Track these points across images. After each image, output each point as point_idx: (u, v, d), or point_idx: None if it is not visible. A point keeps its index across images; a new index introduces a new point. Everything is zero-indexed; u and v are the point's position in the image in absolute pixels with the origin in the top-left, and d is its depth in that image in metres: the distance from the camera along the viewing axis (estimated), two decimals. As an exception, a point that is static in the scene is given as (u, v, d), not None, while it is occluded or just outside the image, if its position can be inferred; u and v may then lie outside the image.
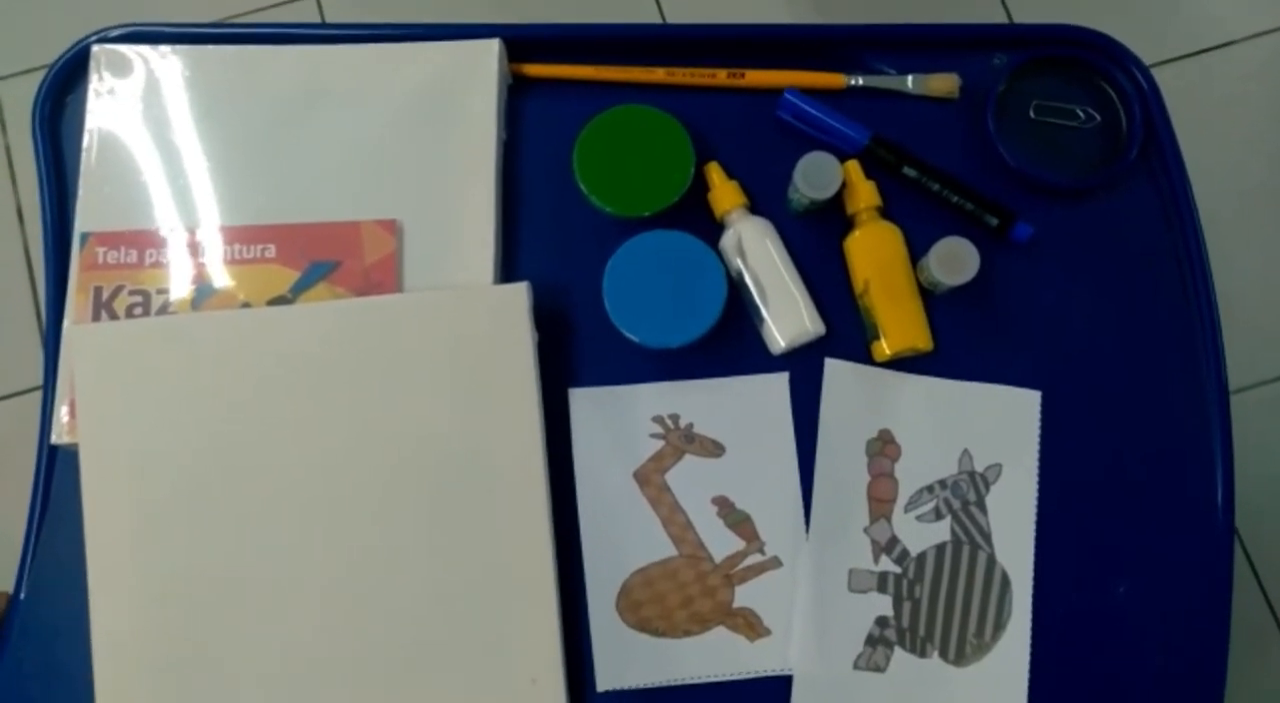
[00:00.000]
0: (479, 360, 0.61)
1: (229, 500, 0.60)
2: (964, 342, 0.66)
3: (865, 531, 0.63)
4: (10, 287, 1.34)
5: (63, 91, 0.68)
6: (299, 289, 0.63)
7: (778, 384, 0.65)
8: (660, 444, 0.64)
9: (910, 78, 0.68)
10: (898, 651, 0.62)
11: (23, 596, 0.62)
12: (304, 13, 1.42)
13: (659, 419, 0.64)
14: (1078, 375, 0.65)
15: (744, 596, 0.63)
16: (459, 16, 0.71)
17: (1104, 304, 0.67)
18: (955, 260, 0.61)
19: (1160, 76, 0.69)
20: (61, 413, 0.62)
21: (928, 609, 0.63)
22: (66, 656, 0.61)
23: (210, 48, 0.67)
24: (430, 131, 0.66)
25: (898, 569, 0.63)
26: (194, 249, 0.64)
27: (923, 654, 0.62)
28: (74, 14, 1.41)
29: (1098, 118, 0.68)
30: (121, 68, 0.66)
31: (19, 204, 1.36)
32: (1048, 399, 0.65)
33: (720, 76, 0.68)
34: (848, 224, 0.66)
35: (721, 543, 0.63)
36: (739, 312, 0.65)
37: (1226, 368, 0.65)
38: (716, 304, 0.61)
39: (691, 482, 0.64)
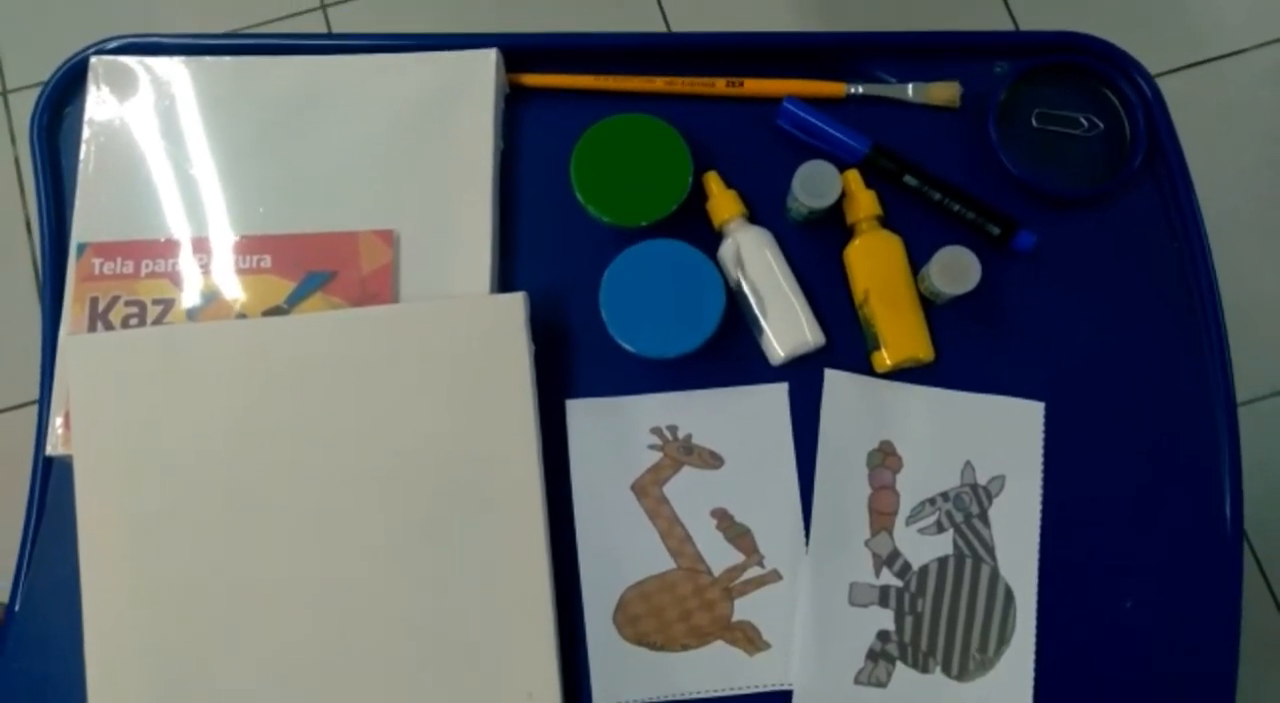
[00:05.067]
0: (475, 371, 0.61)
1: (223, 512, 0.59)
2: (966, 352, 0.65)
3: (866, 544, 0.62)
4: (20, 299, 1.34)
5: (61, 103, 0.68)
6: (295, 300, 0.63)
7: (777, 395, 0.64)
8: (658, 456, 0.63)
9: (911, 86, 0.68)
10: (899, 666, 0.61)
11: (17, 607, 0.62)
12: (311, 25, 1.43)
13: (657, 430, 0.64)
14: (1082, 386, 0.65)
15: (743, 609, 0.62)
16: (462, 25, 0.71)
17: (1108, 314, 0.66)
18: (956, 270, 0.61)
19: (1167, 85, 0.68)
20: (56, 424, 0.62)
21: (930, 624, 0.62)
22: (61, 668, 0.60)
23: (208, 59, 0.67)
24: (427, 141, 0.66)
25: (899, 583, 0.62)
26: (190, 260, 0.64)
27: (925, 670, 0.61)
28: (91, 27, 1.42)
29: (1101, 126, 0.67)
30: (119, 79, 0.66)
31: (27, 216, 1.37)
32: (1051, 411, 0.64)
33: (719, 85, 0.67)
34: (848, 233, 0.65)
35: (720, 556, 0.62)
36: (738, 322, 0.65)
37: (1234, 379, 0.65)
38: (715, 314, 0.60)
39: (690, 494, 0.63)
